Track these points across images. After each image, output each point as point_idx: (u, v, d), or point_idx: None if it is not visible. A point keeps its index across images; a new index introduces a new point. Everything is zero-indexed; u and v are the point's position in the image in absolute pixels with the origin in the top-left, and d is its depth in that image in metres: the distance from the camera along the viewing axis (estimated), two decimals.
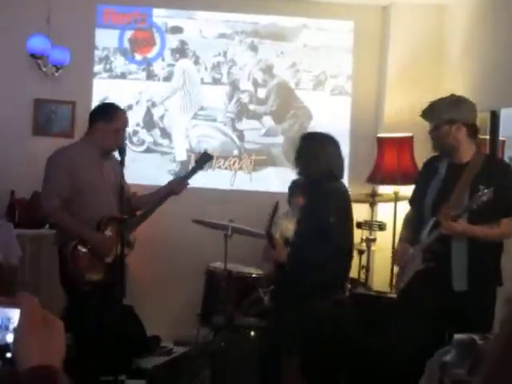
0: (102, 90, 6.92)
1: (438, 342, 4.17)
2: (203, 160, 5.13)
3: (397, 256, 4.58)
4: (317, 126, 7.13)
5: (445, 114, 4.29)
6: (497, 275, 4.25)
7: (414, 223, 4.51)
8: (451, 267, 4.16)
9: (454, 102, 4.34)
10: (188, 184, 5.06)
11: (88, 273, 4.79)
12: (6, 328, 1.17)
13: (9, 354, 1.17)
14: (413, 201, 4.67)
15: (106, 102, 5.41)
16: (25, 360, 1.14)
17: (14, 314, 1.17)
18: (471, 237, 4.13)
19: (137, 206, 5.11)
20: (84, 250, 4.80)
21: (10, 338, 1.18)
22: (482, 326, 3.92)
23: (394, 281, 5.96)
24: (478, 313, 4.13)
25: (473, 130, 4.30)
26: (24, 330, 1.15)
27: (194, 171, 5.09)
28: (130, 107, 6.81)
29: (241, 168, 7.11)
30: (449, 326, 4.21)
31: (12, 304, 1.18)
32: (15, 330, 1.16)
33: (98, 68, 6.98)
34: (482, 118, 5.39)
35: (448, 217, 4.09)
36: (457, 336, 1.59)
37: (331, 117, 7.14)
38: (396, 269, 6.27)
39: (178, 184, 5.07)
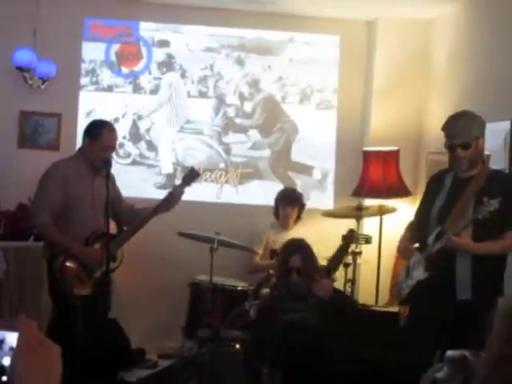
0: (89, 103, 6.92)
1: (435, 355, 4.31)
2: (190, 177, 5.14)
3: (401, 252, 4.71)
4: (303, 139, 7.16)
5: (474, 131, 4.33)
6: (499, 286, 4.34)
7: (416, 233, 4.64)
8: (455, 277, 4.26)
9: (473, 118, 4.37)
10: (183, 192, 5.06)
11: (76, 287, 4.82)
12: (0, 348, 1.17)
13: (4, 378, 1.16)
14: (417, 214, 4.77)
15: (97, 119, 5.41)
16: None
17: (9, 336, 1.17)
18: (472, 252, 4.21)
19: (130, 219, 5.12)
20: (73, 265, 4.82)
21: (6, 361, 1.17)
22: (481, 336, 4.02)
23: (390, 288, 6.00)
24: (478, 322, 4.21)
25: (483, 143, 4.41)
26: (21, 354, 1.14)
27: (181, 187, 5.11)
28: (116, 120, 6.80)
29: (227, 181, 7.11)
30: (449, 336, 4.31)
31: (10, 327, 1.17)
32: (12, 354, 1.16)
33: (84, 81, 6.97)
34: None
35: (452, 230, 4.16)
36: (449, 353, 1.61)
37: (317, 130, 7.17)
38: (383, 282, 6.32)
39: (174, 192, 5.08)
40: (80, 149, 5.11)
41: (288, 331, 2.96)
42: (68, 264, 4.82)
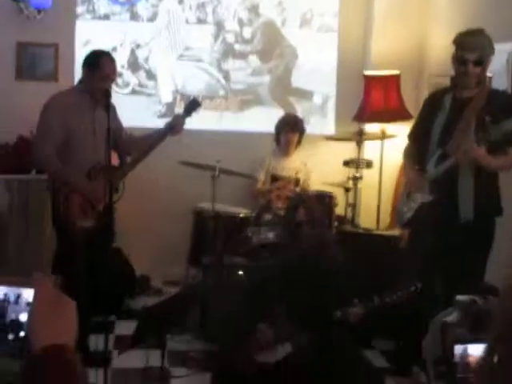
0: (85, 32, 6.82)
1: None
2: (191, 107, 5.13)
3: (413, 184, 4.61)
4: (303, 64, 7.09)
5: (488, 48, 4.32)
6: (499, 204, 4.40)
7: (415, 156, 4.63)
8: (458, 197, 4.30)
9: (486, 35, 4.32)
10: (184, 122, 5.08)
11: (80, 220, 4.85)
12: (17, 303, 1.19)
13: (22, 333, 1.19)
14: (414, 135, 4.75)
15: (95, 49, 5.32)
16: (38, 339, 1.17)
17: (25, 292, 1.19)
18: (484, 166, 4.20)
19: (131, 149, 5.13)
20: (77, 197, 4.84)
21: (23, 316, 1.20)
22: (483, 253, 4.28)
23: (391, 212, 6.01)
24: (481, 239, 4.33)
25: None
26: (38, 311, 1.17)
27: (182, 118, 5.10)
28: (114, 49, 6.72)
29: (227, 108, 7.07)
30: (451, 259, 4.38)
31: (26, 284, 1.20)
32: (28, 310, 1.18)
33: (80, 9, 6.86)
34: None
35: (469, 144, 4.14)
36: (458, 297, 1.64)
37: (318, 55, 7.08)
38: (384, 206, 6.35)
39: (177, 120, 5.09)
40: (80, 80, 5.08)
41: (288, 269, 2.98)
42: (72, 196, 4.84)
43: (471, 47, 4.25)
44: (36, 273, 1.21)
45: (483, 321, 1.56)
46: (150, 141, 5.09)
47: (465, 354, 1.47)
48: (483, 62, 4.27)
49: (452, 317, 1.52)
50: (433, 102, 4.60)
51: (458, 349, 1.47)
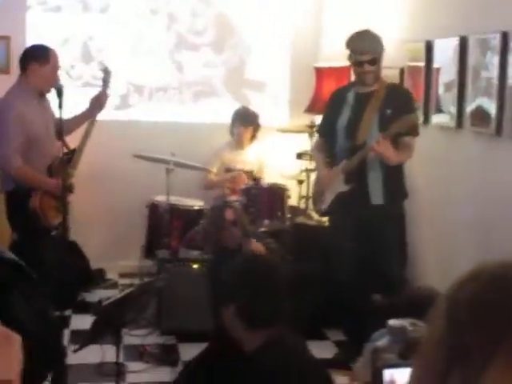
0: (37, 24, 6.73)
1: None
2: (106, 76, 5.51)
3: (325, 180, 4.93)
4: (257, 56, 7.13)
5: (379, 46, 4.74)
6: (404, 190, 4.86)
7: (325, 149, 5.01)
8: (368, 185, 4.70)
9: (375, 35, 4.76)
10: (108, 95, 5.49)
11: (55, 219, 5.01)
12: None
13: None
14: (322, 129, 5.12)
15: (36, 44, 5.35)
16: None
17: None
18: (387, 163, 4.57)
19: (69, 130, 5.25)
20: (50, 199, 4.95)
21: None
22: (397, 233, 4.86)
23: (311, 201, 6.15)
24: (392, 221, 4.82)
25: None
26: None
27: (103, 90, 5.48)
28: (66, 41, 6.69)
29: (181, 100, 7.08)
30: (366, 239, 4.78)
31: None
32: None
33: (31, 1, 6.78)
34: (418, 48, 5.59)
35: (381, 138, 4.47)
36: (390, 322, 1.74)
37: (271, 47, 7.12)
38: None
39: (99, 97, 5.45)
40: (22, 77, 5.07)
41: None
42: (47, 199, 4.95)
43: (364, 51, 4.67)
44: None
45: (412, 347, 1.66)
46: (79, 118, 5.42)
47: (393, 379, 1.55)
48: (377, 61, 4.70)
49: (383, 341, 1.61)
50: (337, 98, 4.97)
51: (387, 373, 1.55)
